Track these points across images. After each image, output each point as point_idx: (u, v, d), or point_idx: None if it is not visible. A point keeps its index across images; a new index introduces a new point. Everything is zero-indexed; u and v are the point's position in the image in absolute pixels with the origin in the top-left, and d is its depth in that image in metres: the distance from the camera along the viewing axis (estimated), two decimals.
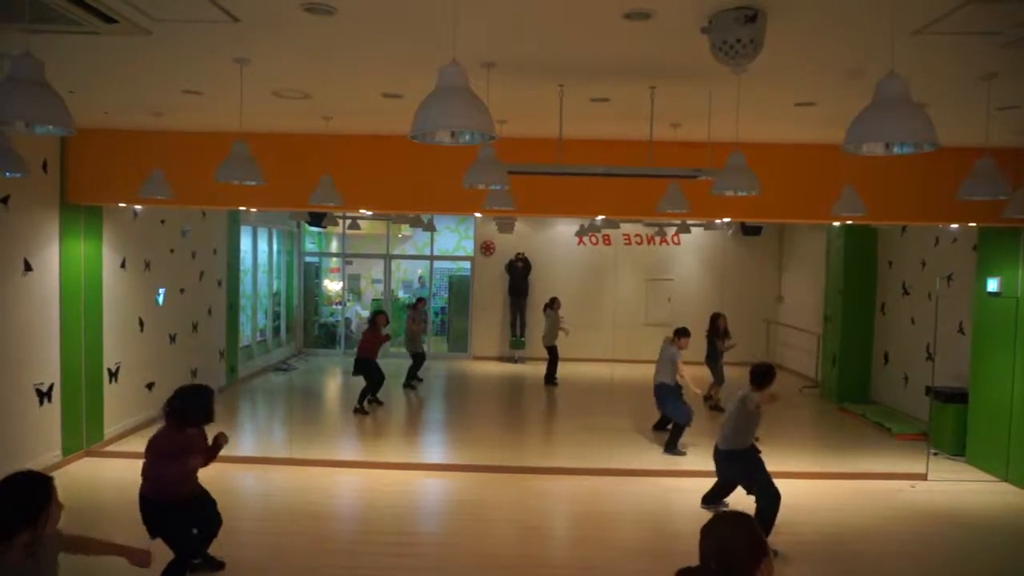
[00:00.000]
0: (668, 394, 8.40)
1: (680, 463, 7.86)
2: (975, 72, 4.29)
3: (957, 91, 4.74)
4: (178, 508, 4.49)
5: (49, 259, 7.07)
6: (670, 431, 8.35)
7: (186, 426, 4.50)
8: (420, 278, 15.98)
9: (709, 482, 7.07)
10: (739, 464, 5.81)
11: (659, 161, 6.15)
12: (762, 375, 5.73)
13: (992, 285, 7.73)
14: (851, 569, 5.40)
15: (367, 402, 9.99)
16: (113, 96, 5.65)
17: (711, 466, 7.49)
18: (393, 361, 12.15)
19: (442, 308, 16.36)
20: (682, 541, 5.97)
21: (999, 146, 6.56)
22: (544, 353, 12.56)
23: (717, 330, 10.49)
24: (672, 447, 8.21)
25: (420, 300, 12.50)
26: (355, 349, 10.34)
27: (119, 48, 4.20)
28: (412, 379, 11.69)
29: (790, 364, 13.99)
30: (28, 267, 6.75)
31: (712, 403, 10.47)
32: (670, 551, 5.69)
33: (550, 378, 12.25)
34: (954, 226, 8.48)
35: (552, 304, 12.51)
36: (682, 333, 8.61)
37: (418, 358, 11.70)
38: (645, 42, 3.89)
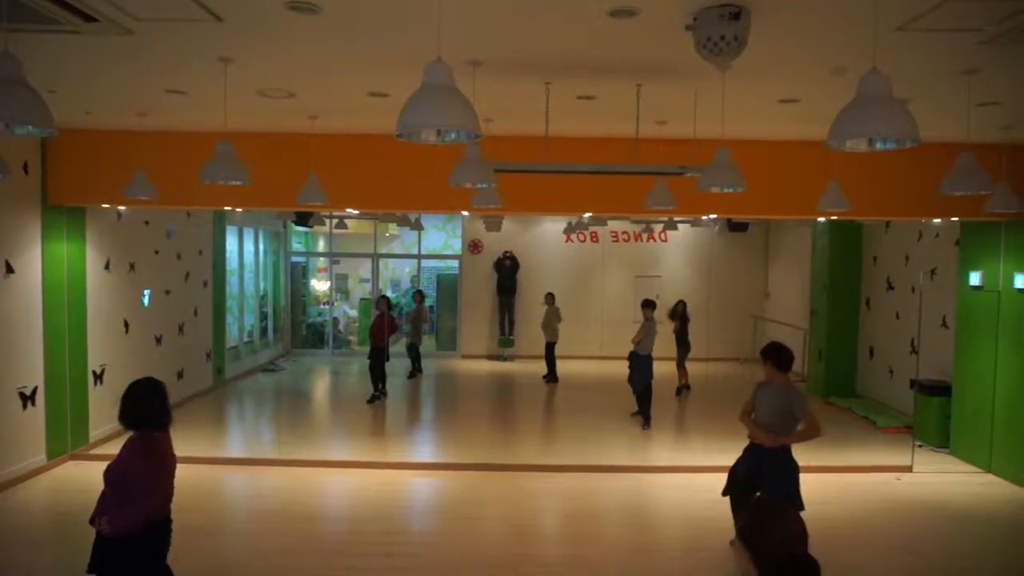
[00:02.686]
0: (638, 362, 9.23)
1: (671, 459, 7.90)
2: (956, 68, 4.34)
3: (939, 87, 4.79)
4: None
5: (31, 261, 6.99)
6: (641, 407, 9.30)
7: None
8: (412, 279, 16.05)
9: (699, 477, 7.12)
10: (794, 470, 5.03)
11: (645, 158, 6.17)
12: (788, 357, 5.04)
13: (974, 279, 7.82)
14: (838, 561, 5.44)
15: (375, 396, 10.46)
16: (95, 96, 5.59)
17: (699, 461, 7.56)
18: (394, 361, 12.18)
19: (431, 307, 16.32)
20: (671, 536, 6.01)
21: (980, 141, 6.64)
22: (539, 350, 12.61)
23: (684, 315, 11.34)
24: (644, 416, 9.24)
25: (420, 292, 12.68)
26: (343, 349, 10.52)
27: (101, 47, 4.16)
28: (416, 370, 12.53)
29: None
30: (10, 269, 6.67)
31: (681, 385, 11.38)
32: (659, 547, 5.72)
33: (551, 375, 12.33)
34: (937, 221, 8.57)
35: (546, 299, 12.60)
36: (644, 304, 9.50)
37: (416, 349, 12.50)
38: (630, 40, 3.90)
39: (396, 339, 13.25)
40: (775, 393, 4.99)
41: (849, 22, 3.55)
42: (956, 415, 8.18)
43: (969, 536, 6.08)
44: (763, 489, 4.92)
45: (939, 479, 7.42)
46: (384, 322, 10.51)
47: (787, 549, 1.95)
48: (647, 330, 9.18)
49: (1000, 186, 5.61)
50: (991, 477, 7.53)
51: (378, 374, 10.46)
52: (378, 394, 10.47)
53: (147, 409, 3.57)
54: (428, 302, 16.17)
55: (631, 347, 9.36)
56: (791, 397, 4.93)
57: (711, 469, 7.14)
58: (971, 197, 5.78)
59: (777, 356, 5.02)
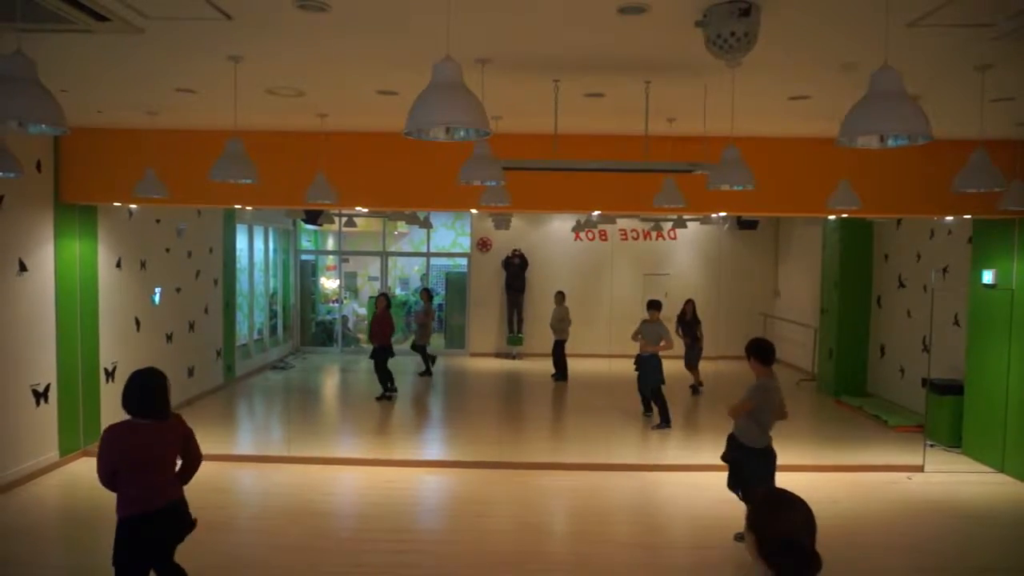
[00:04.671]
0: (647, 363, 9.08)
1: (679, 458, 7.88)
2: (970, 64, 4.30)
3: (952, 83, 4.74)
4: None
5: (44, 259, 7.05)
6: (660, 409, 9.07)
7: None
8: (422, 278, 16.18)
9: (707, 476, 7.10)
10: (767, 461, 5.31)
11: (655, 156, 6.15)
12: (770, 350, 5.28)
13: (987, 277, 7.76)
14: (848, 560, 5.42)
15: (384, 394, 10.48)
16: (106, 95, 5.63)
17: (707, 460, 7.54)
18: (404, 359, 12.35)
19: (439, 305, 16.36)
20: (678, 535, 6.00)
21: (994, 138, 6.58)
22: (548, 348, 12.59)
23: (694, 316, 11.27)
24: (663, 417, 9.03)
25: (428, 291, 12.72)
26: (352, 347, 10.53)
27: (112, 46, 4.19)
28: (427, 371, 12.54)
29: (787, 358, 14.01)
30: (23, 267, 6.73)
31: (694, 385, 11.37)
32: (667, 545, 5.71)
33: (561, 373, 12.29)
34: (949, 218, 8.50)
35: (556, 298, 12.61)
36: (653, 306, 9.39)
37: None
38: (640, 36, 3.89)
39: (400, 337, 13.28)
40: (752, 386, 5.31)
41: (860, 18, 3.53)
42: (968, 414, 8.11)
43: (981, 536, 6.03)
44: (747, 480, 5.28)
45: (951, 478, 7.36)
46: (385, 320, 10.44)
47: (790, 538, 1.95)
48: (656, 331, 9.04)
49: (1014, 183, 5.56)
50: (1003, 477, 7.46)
51: (384, 373, 10.46)
52: (388, 393, 10.48)
53: (128, 398, 3.68)
54: (437, 300, 16.22)
55: (642, 350, 9.14)
56: (751, 387, 5.25)
57: (719, 468, 7.10)
58: (984, 194, 5.74)
59: (758, 351, 5.26)
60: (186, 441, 3.82)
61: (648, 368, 9.13)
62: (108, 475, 3.60)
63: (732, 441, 5.47)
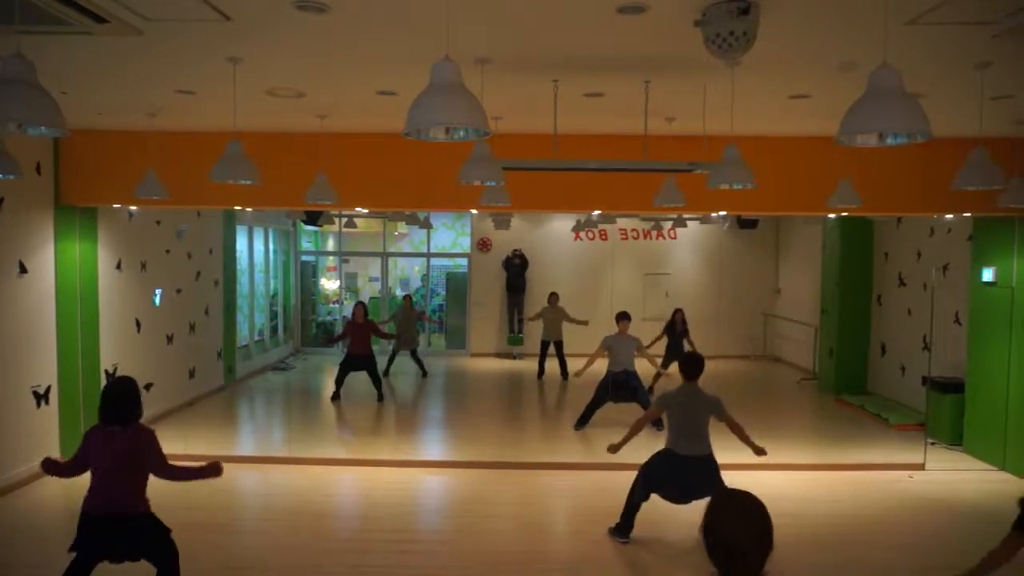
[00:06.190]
0: (634, 379, 8.78)
1: None
2: (969, 61, 4.30)
3: (951, 81, 4.74)
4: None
5: (44, 261, 7.05)
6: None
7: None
8: (423, 279, 16.17)
9: None
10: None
11: (654, 155, 6.15)
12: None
13: (987, 275, 7.76)
14: (849, 559, 5.42)
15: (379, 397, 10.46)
16: (106, 97, 5.63)
17: None
18: (405, 361, 12.47)
19: (440, 305, 16.37)
20: (681, 534, 5.99)
21: (993, 136, 6.58)
22: (550, 348, 12.55)
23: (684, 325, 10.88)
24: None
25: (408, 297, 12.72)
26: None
27: (111, 48, 4.19)
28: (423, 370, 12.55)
29: (787, 356, 14.02)
30: (23, 269, 6.73)
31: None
32: (669, 544, 5.71)
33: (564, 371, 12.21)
34: (949, 216, 8.50)
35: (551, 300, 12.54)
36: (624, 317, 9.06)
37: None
38: (639, 36, 3.89)
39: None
40: None
41: (859, 16, 3.53)
42: (969, 412, 8.11)
43: (982, 534, 5.98)
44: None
45: (952, 476, 7.36)
46: (365, 329, 10.29)
47: (736, 543, 1.88)
48: (629, 346, 8.73)
49: (1013, 181, 5.56)
50: (1005, 474, 7.46)
51: (376, 379, 10.42)
52: (380, 394, 10.42)
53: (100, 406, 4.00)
54: (437, 300, 16.23)
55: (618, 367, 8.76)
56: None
57: (721, 467, 7.11)
58: (984, 192, 5.74)
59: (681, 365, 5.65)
60: (143, 447, 3.95)
61: (628, 388, 8.64)
62: (73, 466, 4.06)
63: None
